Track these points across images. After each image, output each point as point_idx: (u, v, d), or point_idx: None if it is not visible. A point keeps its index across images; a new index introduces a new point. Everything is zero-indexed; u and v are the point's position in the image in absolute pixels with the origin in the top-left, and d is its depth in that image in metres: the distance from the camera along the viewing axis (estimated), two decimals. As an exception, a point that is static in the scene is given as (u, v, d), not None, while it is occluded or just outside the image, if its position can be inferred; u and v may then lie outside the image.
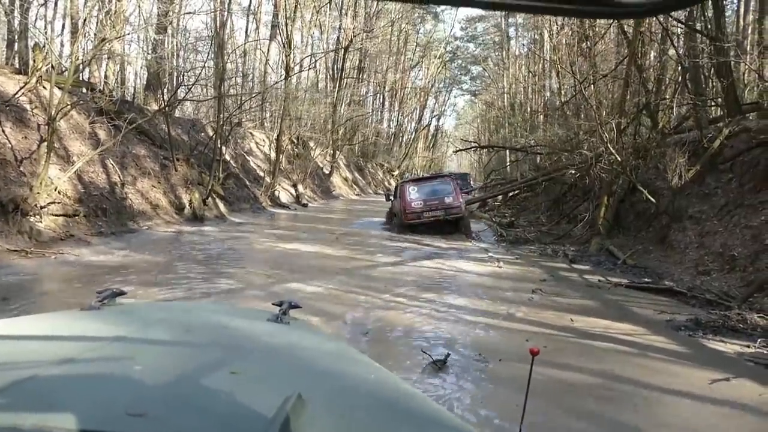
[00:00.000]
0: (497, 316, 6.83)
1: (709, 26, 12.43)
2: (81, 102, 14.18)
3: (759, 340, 5.73)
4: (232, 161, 23.03)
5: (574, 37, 19.37)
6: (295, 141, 32.13)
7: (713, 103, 14.88)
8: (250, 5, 37.62)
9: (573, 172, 16.49)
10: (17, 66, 14.78)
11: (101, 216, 12.28)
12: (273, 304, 1.76)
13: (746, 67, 15.43)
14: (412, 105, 62.83)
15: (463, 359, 5.16)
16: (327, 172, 37.23)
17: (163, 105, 17.95)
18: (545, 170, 20.26)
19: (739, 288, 7.81)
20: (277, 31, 30.83)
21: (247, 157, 26.26)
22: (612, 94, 16.87)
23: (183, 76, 21.38)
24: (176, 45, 25.68)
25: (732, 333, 6.10)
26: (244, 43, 33.07)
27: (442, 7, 43.71)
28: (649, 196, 11.64)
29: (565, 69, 20.74)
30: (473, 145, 35.58)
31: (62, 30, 20.74)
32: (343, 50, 37.92)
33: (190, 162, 17.81)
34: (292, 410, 0.78)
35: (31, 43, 14.82)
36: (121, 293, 1.66)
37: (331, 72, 41.50)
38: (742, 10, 21.01)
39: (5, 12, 15.11)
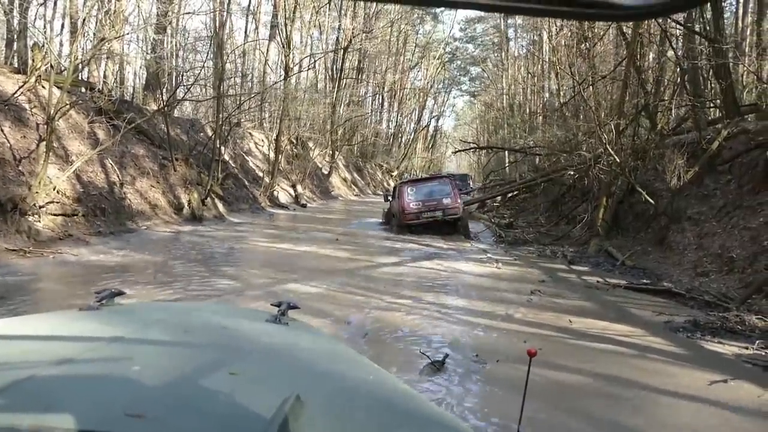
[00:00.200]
0: (495, 317, 6.83)
1: (708, 28, 12.44)
2: (80, 101, 14.18)
3: (757, 341, 5.74)
4: (231, 161, 23.02)
5: (573, 39, 19.38)
6: (294, 141, 32.13)
7: (712, 105, 14.89)
8: (249, 5, 37.65)
9: (572, 173, 16.49)
10: (16, 65, 14.76)
11: (100, 216, 12.27)
12: (272, 304, 1.75)
13: (745, 68, 15.46)
14: (411, 106, 62.81)
15: (462, 360, 5.16)
16: (326, 172, 37.22)
17: (162, 105, 17.94)
18: (544, 171, 20.26)
19: (737, 289, 7.82)
20: (277, 32, 30.83)
21: (246, 157, 26.26)
22: (611, 96, 16.87)
23: (182, 76, 21.40)
24: (175, 45, 25.69)
25: (730, 334, 6.11)
26: (244, 44, 33.07)
27: (442, 8, 43.67)
28: (648, 198, 11.65)
29: (564, 70, 20.77)
30: (472, 146, 35.63)
31: (61, 29, 20.72)
32: (342, 51, 37.93)
33: (189, 162, 17.80)
34: (290, 411, 0.78)
35: (30, 43, 14.82)
36: (120, 293, 1.65)
37: (330, 72, 41.51)
38: (740, 11, 21.06)
39: (4, 11, 15.10)
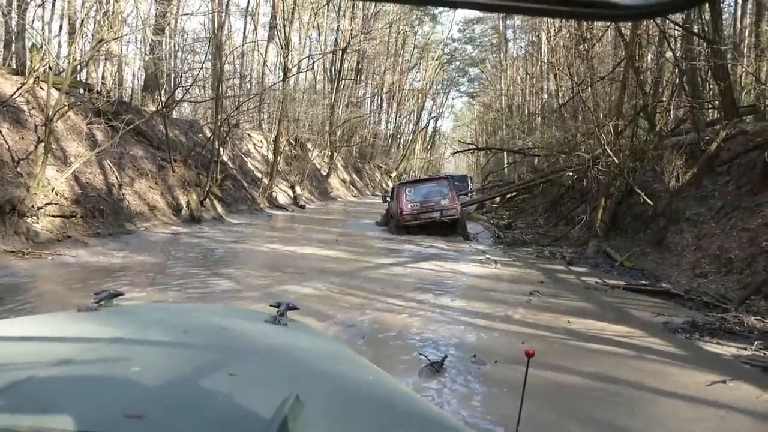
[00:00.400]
0: (494, 317, 6.83)
1: (707, 29, 12.46)
2: (78, 103, 14.17)
3: (756, 342, 5.74)
4: (229, 162, 23.02)
5: (572, 40, 19.38)
6: (293, 142, 32.14)
7: (710, 106, 14.92)
8: (247, 6, 37.64)
9: (570, 174, 16.50)
10: (14, 67, 14.76)
11: (98, 217, 12.26)
12: (270, 305, 1.75)
13: (743, 69, 15.49)
14: (409, 107, 62.85)
15: (460, 361, 5.16)
16: (325, 173, 37.22)
17: (160, 106, 17.93)
18: (543, 172, 20.28)
19: (735, 290, 7.83)
20: (275, 33, 30.84)
21: (244, 158, 26.25)
22: (609, 97, 16.89)
23: (181, 77, 21.38)
24: (174, 46, 25.68)
25: (729, 335, 6.11)
26: (242, 45, 33.08)
27: (440, 8, 43.82)
28: (647, 199, 11.65)
29: (563, 71, 20.76)
30: (471, 146, 35.63)
31: (60, 31, 20.66)
32: (341, 52, 37.96)
33: (187, 163, 17.79)
34: (290, 412, 0.78)
35: (28, 44, 14.82)
36: (119, 294, 1.65)
37: (328, 73, 41.54)
38: (739, 13, 21.08)
39: (3, 12, 15.09)
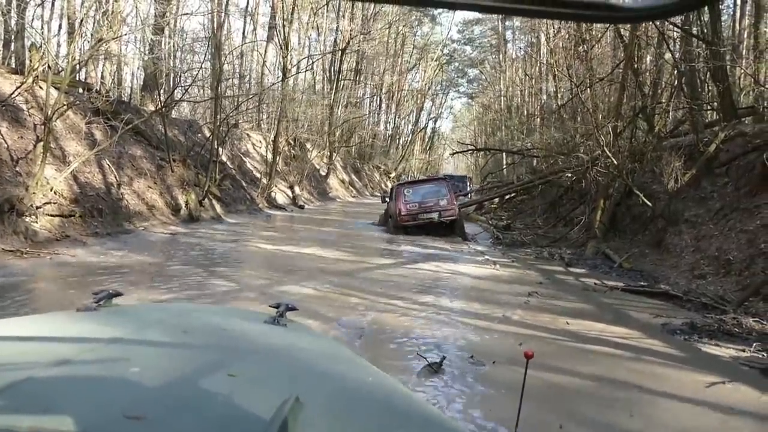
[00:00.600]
0: (493, 318, 6.84)
1: (706, 30, 12.48)
2: (77, 102, 14.15)
3: (754, 344, 5.75)
4: (228, 162, 23.00)
5: (571, 41, 19.43)
6: (292, 143, 32.12)
7: (709, 107, 14.94)
8: (247, 7, 37.60)
9: (569, 175, 16.52)
10: (14, 66, 14.74)
11: (97, 216, 12.24)
12: (270, 306, 1.75)
13: (742, 71, 15.50)
14: (409, 107, 62.90)
15: (459, 362, 5.16)
16: (324, 173, 37.22)
17: (159, 106, 17.91)
18: (542, 173, 20.31)
19: (734, 292, 7.83)
20: (275, 33, 30.83)
21: (243, 158, 26.24)
22: (608, 98, 16.92)
23: (180, 76, 21.34)
24: (173, 46, 25.68)
25: (727, 337, 6.12)
26: (242, 45, 33.05)
27: (440, 9, 43.79)
28: (645, 200, 11.67)
29: (562, 72, 20.81)
30: (470, 147, 35.64)
31: (59, 30, 20.65)
32: (340, 52, 37.98)
33: (186, 163, 17.78)
34: (290, 412, 0.78)
35: (27, 43, 14.81)
36: (118, 294, 1.65)
37: (328, 74, 41.56)
38: (738, 14, 21.09)
39: (2, 12, 15.07)
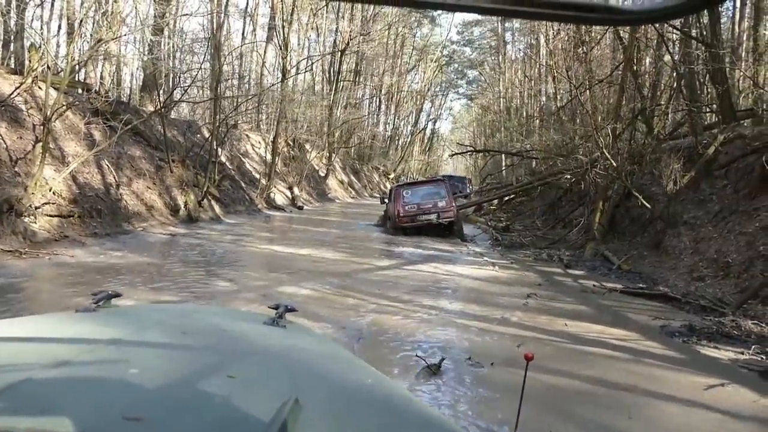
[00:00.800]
0: (492, 320, 6.83)
1: (705, 33, 12.49)
2: (77, 103, 14.14)
3: (753, 346, 5.75)
4: (227, 163, 23.00)
5: (570, 42, 19.45)
6: (291, 143, 32.13)
7: (708, 110, 14.94)
8: (246, 7, 37.61)
9: (568, 176, 16.53)
10: (13, 66, 14.74)
11: (96, 217, 12.24)
12: (269, 307, 1.75)
13: (741, 73, 15.51)
14: (408, 108, 62.92)
15: (458, 364, 5.16)
16: (323, 174, 37.21)
17: (159, 106, 17.90)
18: (541, 175, 20.31)
19: (733, 294, 7.84)
20: (274, 34, 30.86)
21: (242, 159, 26.24)
22: (607, 100, 16.92)
23: (179, 77, 21.35)
24: (173, 46, 25.65)
25: (726, 339, 6.12)
26: (241, 45, 33.04)
27: (439, 11, 43.79)
28: (644, 202, 11.67)
29: (561, 74, 20.82)
30: (469, 149, 35.66)
31: (58, 31, 20.68)
32: (339, 53, 37.98)
33: (185, 163, 17.77)
34: (289, 414, 0.78)
35: (27, 44, 14.80)
36: (117, 295, 1.65)
37: (327, 75, 41.57)
38: (737, 17, 21.10)
39: (1, 12, 15.06)
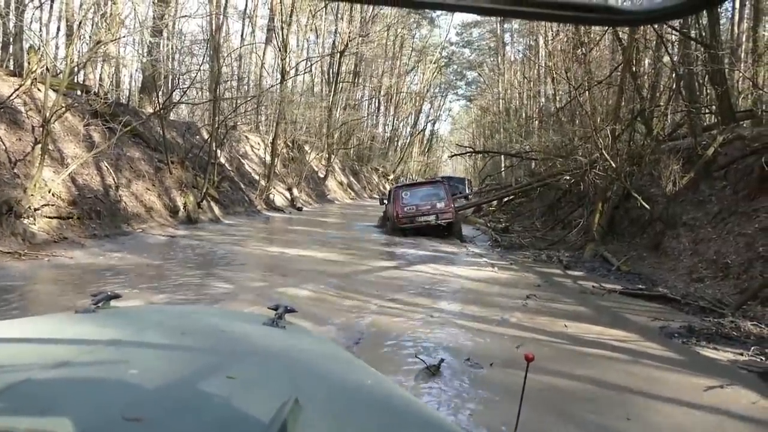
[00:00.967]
0: (491, 321, 6.83)
1: (704, 34, 12.50)
2: (76, 104, 14.14)
3: (752, 347, 5.75)
4: (227, 164, 23.01)
5: (570, 44, 19.47)
6: (291, 145, 32.13)
7: (707, 111, 14.95)
8: (246, 9, 37.64)
9: (568, 178, 16.55)
10: (12, 68, 14.74)
11: (95, 218, 12.23)
12: (268, 308, 1.75)
13: (740, 74, 15.52)
14: (407, 109, 62.95)
15: (457, 365, 5.16)
16: (322, 176, 37.23)
17: (158, 108, 17.92)
18: (540, 176, 20.33)
19: (732, 295, 7.84)
20: (273, 35, 30.86)
21: (242, 160, 26.24)
22: (607, 101, 16.95)
23: (178, 79, 21.34)
24: (172, 48, 25.63)
25: (725, 340, 6.11)
26: (240, 47, 33.02)
27: (438, 12, 43.85)
28: (644, 203, 11.68)
29: (560, 75, 20.84)
30: (468, 150, 35.69)
31: (57, 32, 20.65)
32: (338, 54, 37.96)
33: (184, 165, 17.77)
34: (289, 415, 0.78)
35: (26, 46, 14.80)
36: (116, 296, 1.64)
37: (326, 76, 41.61)
38: (736, 18, 21.11)
39: (0, 14, 15.07)
